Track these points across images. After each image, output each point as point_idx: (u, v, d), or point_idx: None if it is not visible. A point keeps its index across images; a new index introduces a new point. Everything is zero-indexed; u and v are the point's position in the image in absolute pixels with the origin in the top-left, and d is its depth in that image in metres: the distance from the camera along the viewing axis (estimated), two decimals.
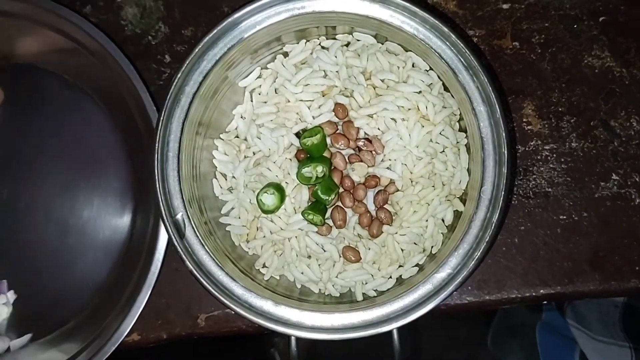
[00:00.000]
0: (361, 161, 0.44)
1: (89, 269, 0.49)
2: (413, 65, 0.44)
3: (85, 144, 0.50)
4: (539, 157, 0.48)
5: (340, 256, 0.44)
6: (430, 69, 0.44)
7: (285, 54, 0.45)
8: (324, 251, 0.44)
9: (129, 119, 0.47)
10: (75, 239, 0.49)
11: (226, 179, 0.46)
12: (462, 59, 0.40)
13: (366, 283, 0.44)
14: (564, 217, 0.48)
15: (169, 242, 0.43)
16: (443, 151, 0.43)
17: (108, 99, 0.49)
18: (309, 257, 0.44)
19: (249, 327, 0.47)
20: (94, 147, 0.50)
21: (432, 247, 0.44)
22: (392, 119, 0.43)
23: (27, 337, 0.48)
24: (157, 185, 0.40)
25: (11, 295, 0.48)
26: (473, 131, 0.41)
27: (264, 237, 0.44)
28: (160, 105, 0.42)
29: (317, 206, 0.43)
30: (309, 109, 0.44)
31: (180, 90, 0.41)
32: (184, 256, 0.40)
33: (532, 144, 0.48)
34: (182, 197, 0.41)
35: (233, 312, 0.41)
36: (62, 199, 0.49)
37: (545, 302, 0.55)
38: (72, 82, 0.50)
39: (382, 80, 0.44)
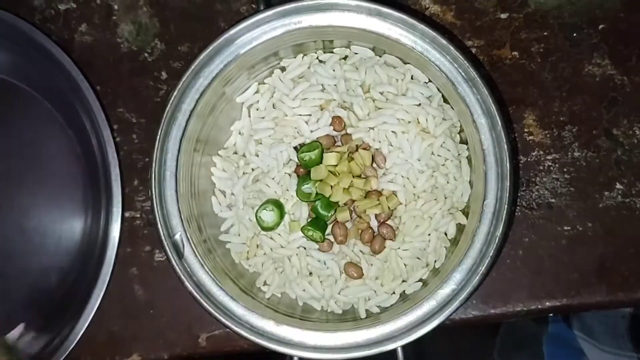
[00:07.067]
0: None
1: (40, 272, 0.48)
2: (412, 78, 0.43)
3: (35, 146, 0.49)
4: (541, 168, 0.47)
5: (342, 273, 0.43)
6: (430, 81, 0.43)
7: (283, 69, 0.45)
8: (327, 267, 0.43)
9: (78, 121, 0.47)
10: (25, 242, 0.48)
11: (225, 196, 0.45)
12: (461, 71, 0.40)
13: (369, 299, 0.43)
14: (569, 227, 0.47)
15: (119, 245, 0.45)
16: (444, 164, 0.43)
17: (56, 101, 0.49)
18: (311, 274, 0.44)
19: (250, 346, 0.47)
20: (44, 149, 0.49)
21: (435, 261, 0.43)
22: (392, 132, 0.43)
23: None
24: (155, 206, 0.40)
25: None
26: (474, 143, 0.41)
27: (265, 254, 0.44)
28: (157, 124, 0.41)
29: (317, 222, 0.43)
30: (306, 123, 0.43)
31: (176, 108, 0.41)
32: (183, 277, 0.39)
33: (534, 154, 0.48)
34: (181, 216, 0.41)
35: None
36: (13, 202, 0.49)
37: (551, 314, 0.54)
38: (19, 84, 0.49)
39: (381, 93, 0.43)
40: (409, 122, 0.42)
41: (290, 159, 0.44)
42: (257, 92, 0.45)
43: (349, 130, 0.43)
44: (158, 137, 0.40)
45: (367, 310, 0.43)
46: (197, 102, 0.41)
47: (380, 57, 0.44)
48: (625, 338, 0.60)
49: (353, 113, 0.43)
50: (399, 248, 0.43)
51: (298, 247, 0.43)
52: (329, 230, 0.43)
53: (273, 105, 0.45)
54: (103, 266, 0.45)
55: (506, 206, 0.39)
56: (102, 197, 0.46)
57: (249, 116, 0.45)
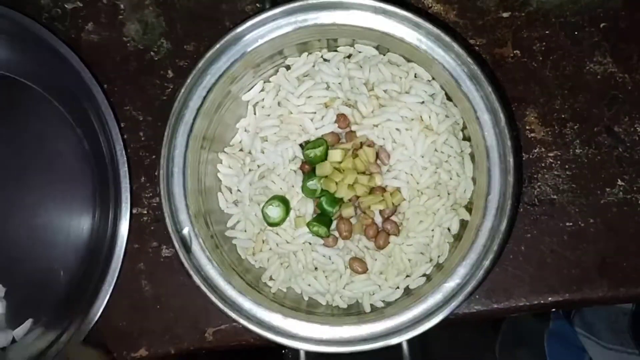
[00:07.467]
0: None
1: (49, 268, 0.49)
2: (415, 76, 0.44)
3: (44, 144, 0.50)
4: (543, 165, 0.48)
5: (346, 268, 0.44)
6: (433, 78, 0.44)
7: (288, 67, 0.46)
8: (332, 263, 0.44)
9: (87, 120, 0.48)
10: (34, 238, 0.49)
11: (231, 193, 0.46)
12: (465, 69, 0.40)
13: (373, 294, 0.44)
14: (570, 224, 0.47)
15: (127, 241, 0.46)
16: (447, 160, 0.43)
17: (64, 99, 0.49)
18: (316, 269, 0.44)
19: (257, 340, 0.47)
20: (53, 147, 0.50)
21: (438, 256, 0.44)
22: (396, 129, 0.43)
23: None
24: (164, 201, 0.40)
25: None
26: (477, 140, 0.41)
27: (270, 249, 0.44)
28: (164, 122, 0.42)
29: (322, 218, 0.43)
30: (311, 121, 0.44)
31: (184, 105, 0.41)
32: (191, 271, 0.40)
33: (535, 151, 0.48)
34: (188, 212, 0.41)
35: (241, 326, 0.41)
36: (22, 199, 0.49)
37: (553, 309, 0.54)
38: (27, 83, 0.50)
39: (385, 91, 0.44)
40: (413, 119, 0.43)
41: (296, 156, 0.44)
42: (262, 90, 0.46)
43: (353, 128, 0.44)
44: (166, 134, 0.41)
45: (371, 305, 0.43)
46: (204, 100, 0.42)
47: (384, 55, 0.45)
48: (627, 335, 0.60)
49: (357, 111, 0.44)
50: (403, 243, 0.43)
51: (303, 243, 0.44)
52: (333, 225, 0.44)
53: (278, 103, 0.45)
54: (112, 262, 0.46)
55: (510, 201, 0.39)
56: (110, 194, 0.47)
57: (255, 114, 0.46)
